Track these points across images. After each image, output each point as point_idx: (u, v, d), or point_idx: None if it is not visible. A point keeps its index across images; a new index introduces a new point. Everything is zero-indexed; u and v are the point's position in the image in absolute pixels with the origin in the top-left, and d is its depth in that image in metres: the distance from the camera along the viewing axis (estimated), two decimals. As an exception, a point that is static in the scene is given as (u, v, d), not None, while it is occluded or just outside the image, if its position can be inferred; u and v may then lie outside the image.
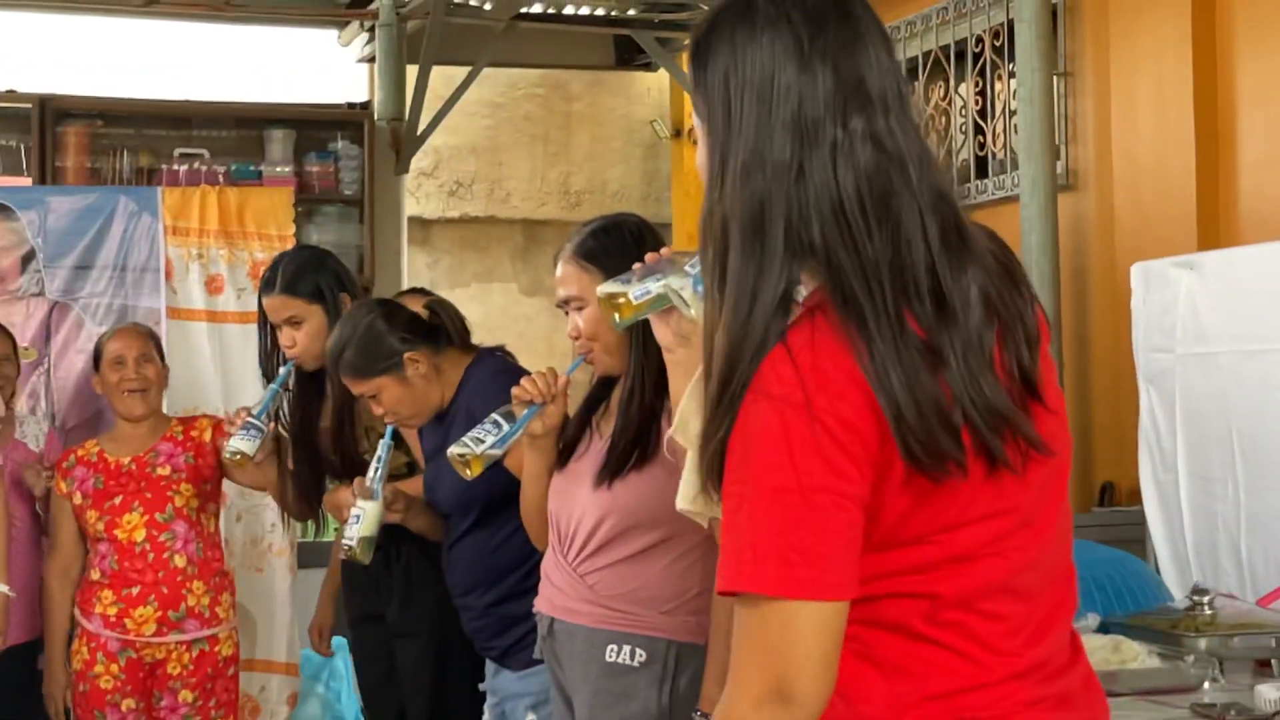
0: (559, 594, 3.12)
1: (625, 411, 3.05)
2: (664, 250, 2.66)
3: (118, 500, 4.68)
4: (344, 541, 3.86)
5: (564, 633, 3.11)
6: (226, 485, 5.04)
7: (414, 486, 3.97)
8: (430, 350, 3.75)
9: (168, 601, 4.64)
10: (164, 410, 4.93)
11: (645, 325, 2.91)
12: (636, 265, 2.55)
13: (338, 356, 3.78)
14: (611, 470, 3.03)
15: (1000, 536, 1.68)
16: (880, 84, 1.65)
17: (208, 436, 4.80)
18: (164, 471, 4.72)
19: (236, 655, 4.84)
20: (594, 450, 3.12)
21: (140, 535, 4.65)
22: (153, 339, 4.90)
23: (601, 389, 3.21)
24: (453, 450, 3.19)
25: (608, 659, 3.01)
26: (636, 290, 2.52)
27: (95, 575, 4.66)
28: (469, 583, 3.73)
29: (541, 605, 3.18)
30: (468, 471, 3.18)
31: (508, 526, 3.59)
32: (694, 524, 2.98)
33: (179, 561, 4.67)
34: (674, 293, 2.46)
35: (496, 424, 3.17)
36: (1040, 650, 1.72)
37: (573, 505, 3.10)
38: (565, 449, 3.19)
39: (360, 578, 4.20)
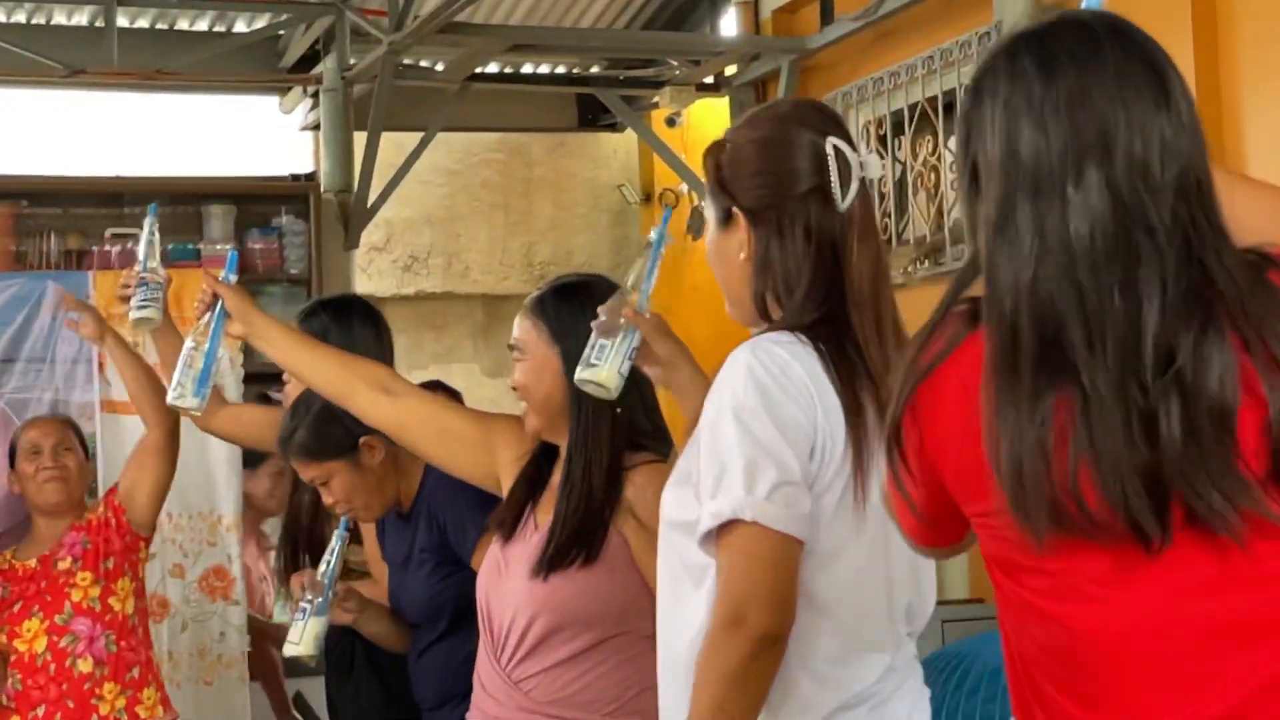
0: (494, 704, 3.08)
1: (566, 498, 2.97)
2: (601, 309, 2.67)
3: (16, 608, 4.53)
4: (288, 642, 3.71)
5: (500, 744, 3.07)
6: (171, 590, 4.90)
7: (372, 589, 3.86)
8: (389, 439, 3.66)
9: (74, 717, 4.46)
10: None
11: (595, 402, 2.79)
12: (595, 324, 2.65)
13: (288, 437, 3.71)
14: (549, 564, 2.97)
15: None
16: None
17: (101, 509, 4.64)
18: (64, 565, 4.56)
19: None
20: (529, 540, 3.05)
21: (41, 645, 4.50)
22: (74, 429, 4.77)
23: (537, 466, 3.13)
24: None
25: (545, 769, 2.98)
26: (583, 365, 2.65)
27: (3, 700, 4.50)
28: (441, 694, 3.65)
29: (475, 717, 3.13)
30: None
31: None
32: (636, 623, 2.92)
33: (83, 667, 4.50)
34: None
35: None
36: None
37: (504, 600, 3.04)
38: (508, 525, 3.11)
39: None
